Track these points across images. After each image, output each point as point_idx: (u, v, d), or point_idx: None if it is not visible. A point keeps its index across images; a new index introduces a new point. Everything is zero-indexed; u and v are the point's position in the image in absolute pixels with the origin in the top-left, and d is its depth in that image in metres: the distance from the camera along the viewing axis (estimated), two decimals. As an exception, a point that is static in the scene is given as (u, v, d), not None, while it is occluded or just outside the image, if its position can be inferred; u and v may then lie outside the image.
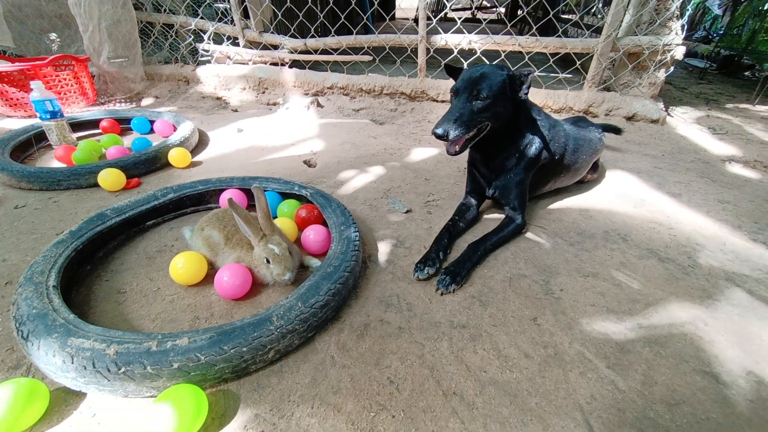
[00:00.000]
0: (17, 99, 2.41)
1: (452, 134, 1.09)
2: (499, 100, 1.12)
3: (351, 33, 2.66)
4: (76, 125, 2.16)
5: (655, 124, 2.41)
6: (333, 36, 2.72)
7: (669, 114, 2.65)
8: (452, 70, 1.25)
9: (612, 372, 0.82)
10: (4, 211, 1.41)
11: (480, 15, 8.07)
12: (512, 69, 2.49)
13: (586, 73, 2.48)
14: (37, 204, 1.46)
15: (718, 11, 5.77)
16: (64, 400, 0.74)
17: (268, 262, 0.97)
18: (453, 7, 9.13)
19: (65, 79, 2.56)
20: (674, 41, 2.22)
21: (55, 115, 1.87)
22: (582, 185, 1.65)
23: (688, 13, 2.21)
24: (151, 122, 2.24)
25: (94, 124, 2.22)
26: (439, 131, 1.09)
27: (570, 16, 5.23)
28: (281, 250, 0.94)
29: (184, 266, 1.01)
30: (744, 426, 0.72)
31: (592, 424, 0.71)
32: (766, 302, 1.02)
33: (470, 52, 2.52)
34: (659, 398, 0.76)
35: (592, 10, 4.65)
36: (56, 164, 1.78)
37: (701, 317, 0.97)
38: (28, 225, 1.33)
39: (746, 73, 4.45)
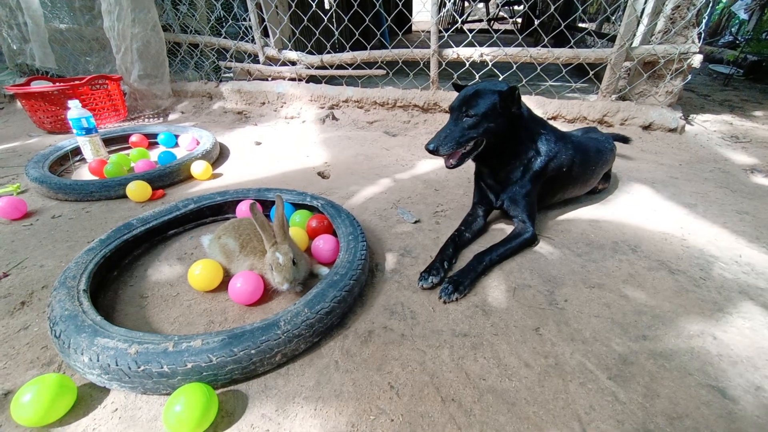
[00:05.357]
0: (57, 116, 2.60)
1: (442, 150, 1.16)
2: (488, 118, 1.17)
3: (366, 48, 2.75)
4: (109, 140, 2.31)
5: (673, 133, 2.36)
6: (348, 51, 2.82)
7: (689, 122, 2.59)
8: (459, 88, 1.29)
9: (613, 383, 0.82)
10: (42, 220, 1.53)
11: (496, 26, 8.10)
12: (524, 80, 2.49)
13: (601, 83, 2.47)
14: (71, 214, 1.58)
15: (744, 16, 5.61)
16: (90, 395, 0.80)
17: (272, 269, 1.02)
18: (468, 19, 9.21)
19: (99, 97, 2.74)
20: (691, 49, 2.19)
21: (89, 131, 2.02)
22: (593, 195, 1.64)
23: (704, 21, 2.17)
24: (177, 136, 2.37)
25: (124, 138, 2.37)
26: (431, 147, 1.17)
27: (587, 25, 5.18)
28: (285, 260, 0.99)
29: (201, 273, 1.07)
30: (749, 441, 0.71)
31: (589, 435, 0.72)
32: (780, 316, 0.99)
33: (483, 64, 2.56)
34: (661, 411, 0.76)
35: (612, 18, 4.61)
36: (90, 177, 1.92)
37: (710, 331, 0.95)
38: (63, 233, 1.43)
39: (775, 79, 4.28)
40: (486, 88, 1.16)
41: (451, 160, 1.20)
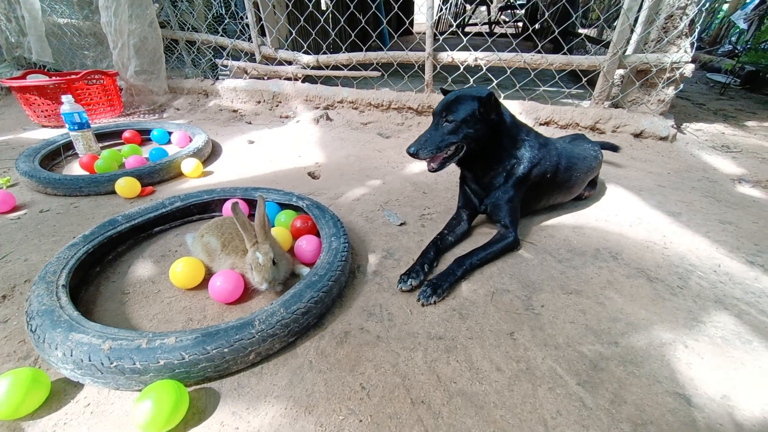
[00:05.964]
0: (52, 110, 2.60)
1: (422, 154, 1.19)
2: (468, 123, 1.18)
3: (362, 50, 2.76)
4: (102, 135, 2.31)
5: (664, 141, 2.37)
6: (344, 52, 2.83)
7: (681, 131, 2.61)
8: (446, 93, 1.31)
9: (581, 389, 0.83)
10: (30, 214, 1.53)
11: (498, 30, 8.10)
12: (518, 85, 2.49)
13: (594, 90, 2.48)
14: (59, 209, 1.58)
15: (743, 26, 5.63)
16: (63, 389, 0.81)
17: (252, 268, 1.02)
18: (469, 22, 9.21)
19: (95, 92, 2.75)
20: (683, 59, 2.20)
21: (82, 126, 2.02)
22: (579, 202, 1.65)
23: (697, 31, 2.19)
24: (170, 133, 2.38)
25: (118, 134, 2.38)
26: (411, 150, 1.19)
27: (587, 31, 5.19)
28: (265, 260, 1.00)
29: (182, 270, 1.08)
30: (709, 449, 0.72)
31: (553, 439, 0.73)
32: (753, 326, 1.00)
33: (478, 69, 2.57)
34: (626, 417, 0.77)
35: (612, 25, 4.62)
36: (80, 172, 1.92)
37: (682, 339, 0.96)
38: (50, 228, 1.44)
39: (771, 89, 4.30)
40: (467, 94, 1.17)
41: (432, 164, 1.22)
